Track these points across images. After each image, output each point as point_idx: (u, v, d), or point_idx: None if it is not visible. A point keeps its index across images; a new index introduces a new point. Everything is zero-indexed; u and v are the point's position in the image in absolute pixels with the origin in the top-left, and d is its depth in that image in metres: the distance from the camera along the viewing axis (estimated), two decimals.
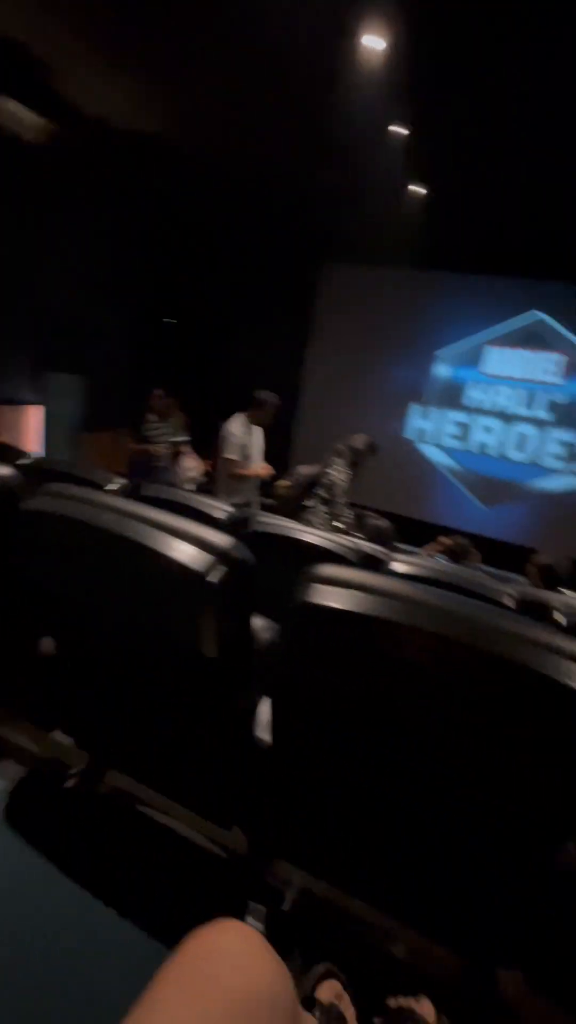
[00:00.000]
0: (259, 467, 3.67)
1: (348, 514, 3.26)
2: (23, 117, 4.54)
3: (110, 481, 1.86)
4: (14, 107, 4.43)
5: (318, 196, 5.73)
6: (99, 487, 1.72)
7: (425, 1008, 0.77)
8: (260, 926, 0.91)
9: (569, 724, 0.60)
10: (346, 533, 3.21)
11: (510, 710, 0.62)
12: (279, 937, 0.98)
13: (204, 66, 4.24)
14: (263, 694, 0.88)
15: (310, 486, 3.30)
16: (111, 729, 1.03)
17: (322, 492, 3.26)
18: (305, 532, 1.73)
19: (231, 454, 3.55)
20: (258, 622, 1.01)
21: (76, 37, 4.04)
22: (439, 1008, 0.80)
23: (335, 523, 3.21)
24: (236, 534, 0.80)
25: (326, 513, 3.25)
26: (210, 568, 0.69)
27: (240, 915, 0.94)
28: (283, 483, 3.45)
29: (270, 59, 4.01)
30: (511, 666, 0.59)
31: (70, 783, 1.07)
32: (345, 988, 0.85)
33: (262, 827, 0.98)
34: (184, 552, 0.72)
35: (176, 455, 4.91)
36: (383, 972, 0.99)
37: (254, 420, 3.64)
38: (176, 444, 4.83)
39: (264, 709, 0.90)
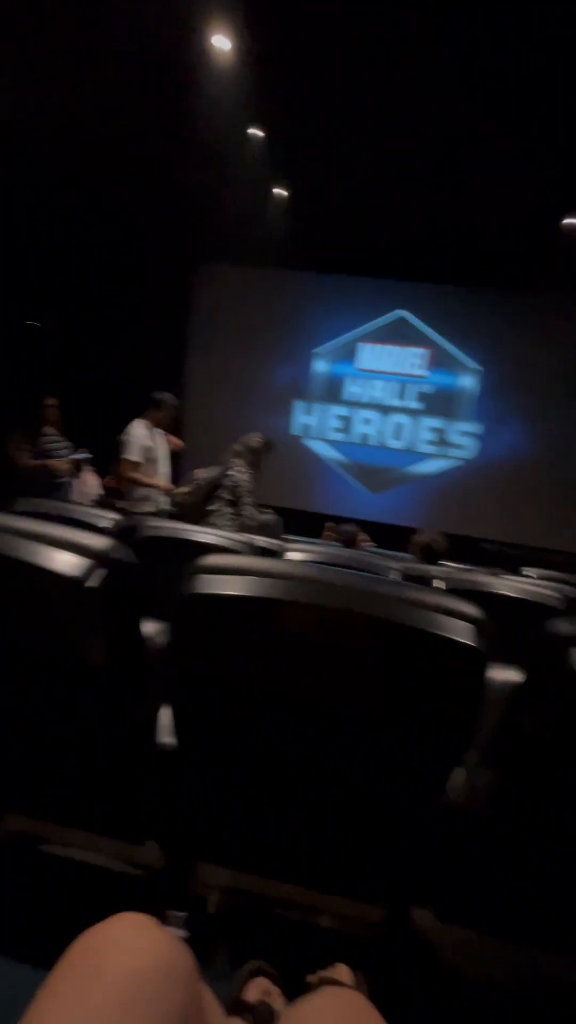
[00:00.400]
0: (160, 482, 3.59)
1: (257, 514, 3.23)
2: None
3: None
4: None
5: (187, 196, 5.67)
6: None
7: (342, 973, 0.81)
8: (181, 932, 0.89)
9: (442, 667, 0.66)
10: (256, 532, 3.23)
11: (394, 664, 0.67)
12: (204, 941, 0.96)
13: (63, 65, 4.01)
14: (163, 699, 0.86)
15: (212, 490, 3.22)
16: (2, 767, 0.94)
17: (226, 494, 3.20)
18: (199, 532, 1.71)
19: (133, 456, 3.46)
20: (152, 627, 0.98)
21: None
22: (357, 969, 0.84)
23: (247, 523, 3.18)
24: (125, 541, 0.77)
25: (232, 515, 3.20)
26: (88, 572, 0.66)
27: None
28: (182, 490, 3.34)
29: (126, 58, 3.90)
30: (389, 624, 0.64)
31: None
32: (275, 982, 0.86)
33: (176, 834, 0.95)
34: (58, 559, 0.68)
35: (77, 472, 4.55)
36: (311, 949, 1.02)
37: (155, 422, 3.57)
38: (78, 461, 4.46)
39: (166, 713, 0.88)
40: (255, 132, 5.12)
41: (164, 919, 0.93)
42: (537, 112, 4.25)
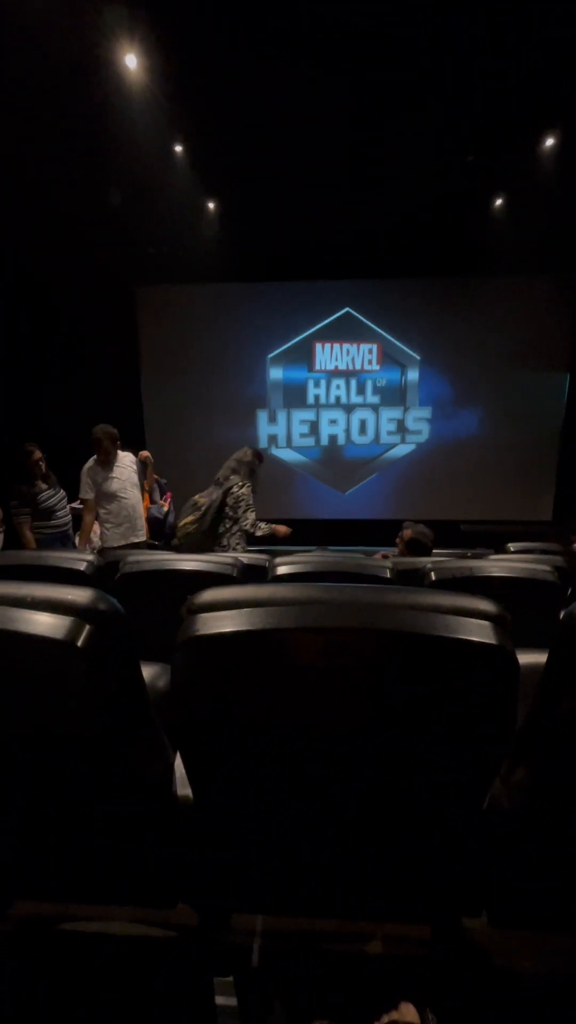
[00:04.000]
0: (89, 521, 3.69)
1: (260, 524, 3.22)
2: None
3: None
4: None
5: (118, 221, 5.60)
6: None
7: (409, 1013, 0.76)
8: (233, 1001, 0.82)
9: (470, 673, 0.63)
10: (263, 540, 3.24)
11: (415, 675, 0.63)
12: (255, 997, 0.90)
13: None
14: (173, 749, 0.80)
15: (219, 511, 3.22)
16: (4, 852, 0.85)
17: (230, 512, 3.22)
18: (182, 560, 1.65)
19: (84, 494, 3.63)
20: (149, 670, 0.92)
21: None
22: (421, 1005, 0.79)
23: (257, 532, 3.20)
24: (103, 583, 0.71)
25: (239, 531, 3.21)
26: (73, 632, 0.59)
27: (208, 996, 0.84)
28: (187, 520, 3.27)
29: (41, 87, 3.83)
30: (404, 636, 0.60)
31: None
32: None
33: (207, 888, 0.89)
34: (38, 622, 0.61)
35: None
36: (366, 980, 0.96)
37: (101, 459, 3.62)
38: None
39: (179, 763, 0.82)
40: (178, 149, 5.11)
41: (212, 988, 0.86)
42: (445, 97, 4.39)
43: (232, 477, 3.28)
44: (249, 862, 0.86)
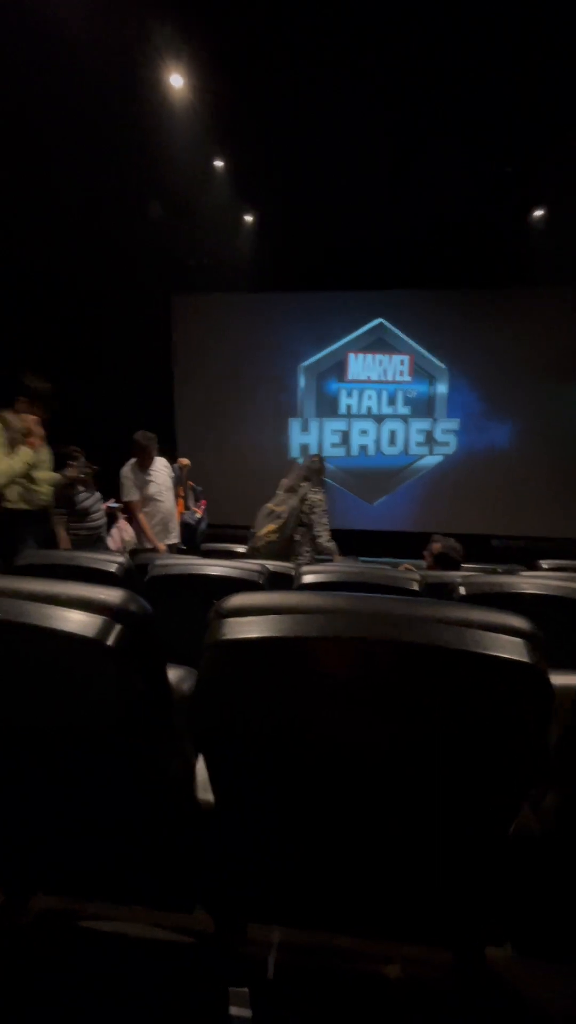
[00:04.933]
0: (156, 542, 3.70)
1: (328, 538, 3.26)
2: None
3: None
4: None
5: (158, 233, 5.76)
6: None
7: None
8: (247, 1012, 0.81)
9: (500, 691, 0.61)
10: (330, 552, 3.24)
11: (446, 692, 0.61)
12: (270, 1011, 0.88)
13: (32, 118, 4.13)
14: (196, 753, 0.80)
15: (296, 520, 3.25)
16: (24, 846, 0.87)
17: (304, 519, 3.27)
18: (209, 566, 1.66)
19: (129, 496, 3.67)
20: (175, 673, 0.93)
21: None
22: None
23: (326, 544, 3.23)
24: (132, 585, 0.72)
25: (311, 540, 3.25)
26: (104, 631, 0.60)
27: (223, 1008, 0.84)
28: (267, 529, 3.26)
29: (88, 107, 4.01)
30: (435, 650, 0.59)
31: None
32: None
33: (225, 896, 0.88)
34: (71, 620, 0.63)
35: (113, 521, 4.44)
36: (382, 1002, 0.94)
37: (141, 463, 3.68)
38: (113, 509, 4.31)
39: (201, 767, 0.82)
40: (218, 163, 5.23)
41: (227, 997, 0.86)
42: (482, 108, 4.37)
43: (304, 484, 3.31)
44: (267, 871, 0.85)
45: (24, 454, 2.85)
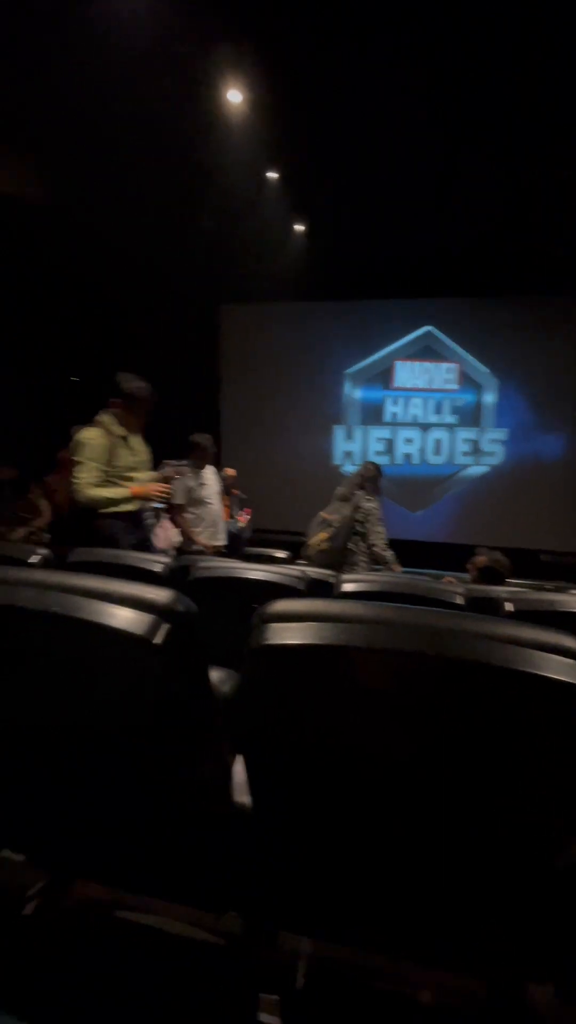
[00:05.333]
0: (202, 539, 3.70)
1: (385, 547, 3.20)
2: None
3: (32, 553, 1.72)
4: None
5: (206, 243, 5.92)
6: (20, 562, 1.58)
7: None
8: (276, 1020, 0.81)
9: (543, 710, 0.59)
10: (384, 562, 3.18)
11: (491, 712, 0.60)
12: (299, 1020, 0.87)
13: (86, 141, 4.34)
14: (235, 752, 0.81)
15: (350, 529, 3.19)
16: (68, 833, 0.90)
17: (358, 527, 3.21)
18: (251, 570, 1.68)
19: (177, 499, 3.66)
20: (215, 674, 0.94)
21: None
22: None
23: (382, 552, 3.17)
24: (175, 586, 0.74)
25: (367, 549, 3.19)
26: (152, 629, 0.62)
27: (252, 1012, 0.83)
28: (319, 537, 3.21)
29: (145, 119, 4.17)
30: (482, 667, 0.57)
31: (29, 908, 0.92)
32: None
33: (258, 901, 0.88)
34: (121, 617, 0.65)
35: (157, 520, 4.55)
36: None
37: (197, 465, 3.71)
38: (157, 511, 4.42)
39: (239, 769, 0.83)
40: (270, 175, 5.32)
41: (256, 1005, 0.86)
42: (533, 112, 4.29)
43: (358, 492, 3.26)
44: (300, 881, 0.85)
45: (122, 490, 2.75)
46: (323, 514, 3.26)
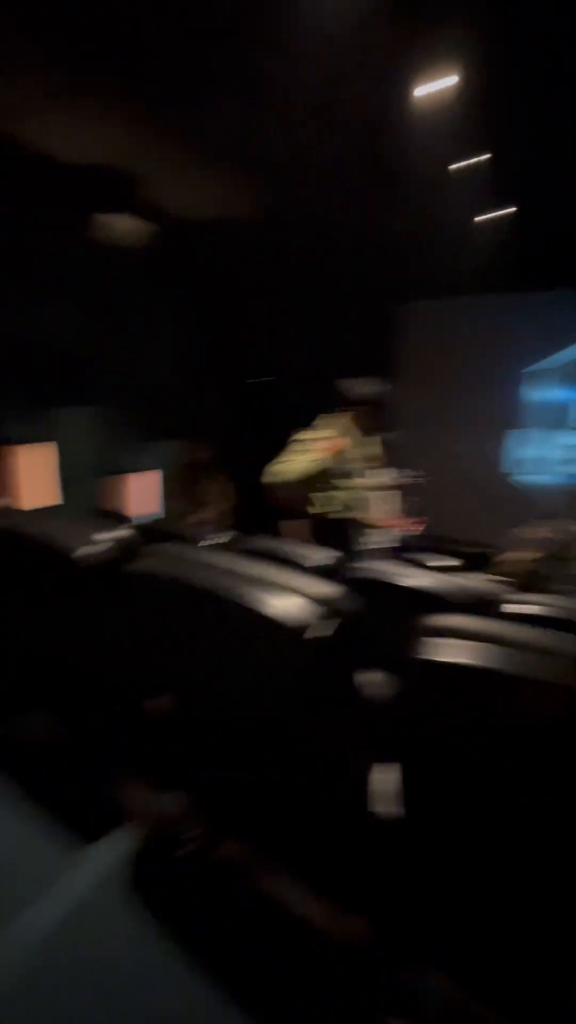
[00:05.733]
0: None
1: None
2: (130, 227, 5.19)
3: (209, 536, 1.92)
4: (123, 221, 5.09)
5: (391, 245, 5.85)
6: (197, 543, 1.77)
7: None
8: None
9: None
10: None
11: None
12: None
13: (281, 162, 4.58)
14: (382, 758, 0.80)
15: (559, 549, 3.02)
16: (222, 793, 0.99)
17: (560, 552, 3.02)
18: (407, 576, 1.64)
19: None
20: (367, 676, 0.94)
21: (166, 152, 4.61)
22: None
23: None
24: (341, 582, 0.76)
25: (561, 571, 2.98)
26: (320, 622, 0.65)
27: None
28: (518, 555, 3.04)
29: (342, 134, 4.25)
30: None
31: (183, 851, 1.03)
32: None
33: (390, 916, 0.86)
34: (287, 607, 0.69)
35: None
36: None
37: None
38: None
39: (382, 777, 0.82)
40: (461, 164, 5.04)
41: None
42: None
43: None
44: (447, 911, 0.81)
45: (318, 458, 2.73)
46: (533, 530, 3.00)
